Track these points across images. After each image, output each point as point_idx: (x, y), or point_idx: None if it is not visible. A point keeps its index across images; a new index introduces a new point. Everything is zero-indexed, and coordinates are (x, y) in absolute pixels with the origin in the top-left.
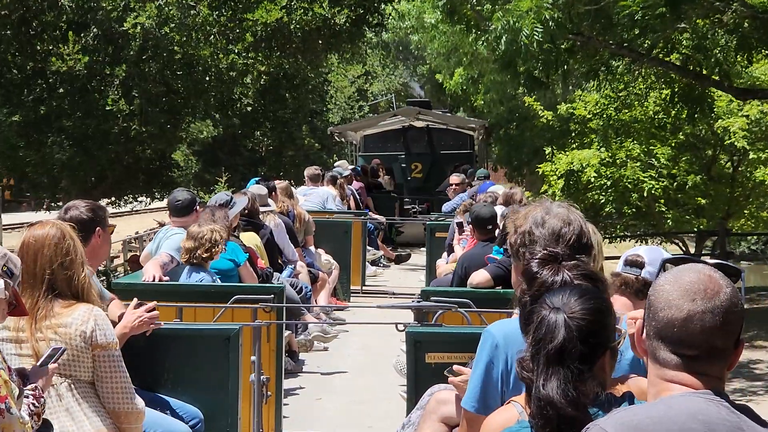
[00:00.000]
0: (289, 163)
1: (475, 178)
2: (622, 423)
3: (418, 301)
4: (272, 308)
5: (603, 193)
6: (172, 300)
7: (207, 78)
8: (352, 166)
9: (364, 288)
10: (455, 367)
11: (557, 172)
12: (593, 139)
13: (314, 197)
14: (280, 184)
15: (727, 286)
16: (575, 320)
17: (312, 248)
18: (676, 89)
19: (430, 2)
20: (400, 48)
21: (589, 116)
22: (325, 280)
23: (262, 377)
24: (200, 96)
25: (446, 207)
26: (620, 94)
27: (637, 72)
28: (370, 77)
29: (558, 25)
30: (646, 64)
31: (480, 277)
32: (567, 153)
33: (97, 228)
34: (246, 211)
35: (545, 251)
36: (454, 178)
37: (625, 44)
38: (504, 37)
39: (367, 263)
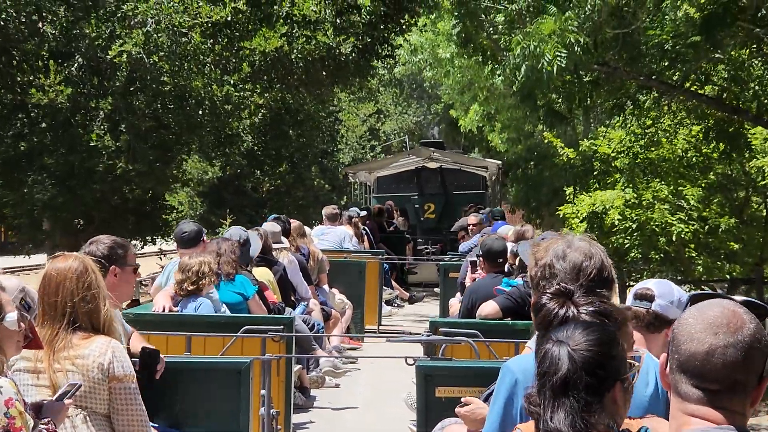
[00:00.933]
0: (294, 204)
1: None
2: None
3: (428, 335)
4: (281, 338)
5: (628, 237)
6: (182, 330)
7: (200, 111)
8: (363, 207)
9: (380, 328)
10: (464, 398)
11: (579, 215)
12: (617, 178)
13: (331, 236)
14: (293, 222)
15: (751, 321)
16: (579, 352)
17: (326, 287)
18: (710, 124)
19: (444, 35)
20: (414, 86)
21: (613, 154)
22: (338, 318)
23: (272, 411)
24: (193, 131)
25: (463, 247)
26: (647, 131)
27: (666, 106)
28: (382, 116)
29: (584, 51)
30: (677, 97)
31: (489, 308)
32: (589, 194)
33: (113, 266)
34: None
35: (558, 286)
36: (472, 219)
37: (654, 76)
38: (524, 65)
39: (383, 303)
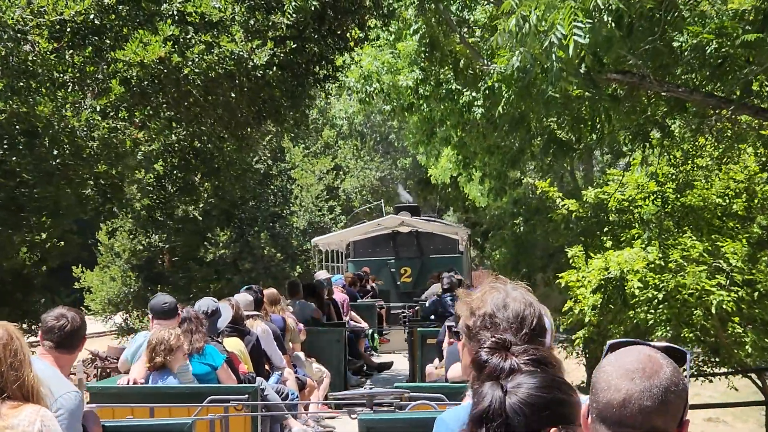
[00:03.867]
0: (242, 278)
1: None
2: None
3: (370, 388)
4: (245, 407)
5: (652, 311)
6: (147, 402)
7: (55, 152)
8: (332, 276)
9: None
10: None
11: (587, 283)
12: (637, 234)
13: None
14: (266, 291)
15: (668, 366)
16: (512, 393)
17: (301, 355)
18: None
19: (405, 58)
20: (377, 138)
21: (628, 202)
22: (313, 387)
23: None
24: (49, 181)
25: (426, 311)
26: (680, 168)
27: (708, 132)
28: (341, 172)
29: (610, 33)
30: (731, 114)
31: (456, 371)
32: (600, 256)
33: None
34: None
35: (494, 338)
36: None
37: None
38: (519, 53)
39: (349, 373)
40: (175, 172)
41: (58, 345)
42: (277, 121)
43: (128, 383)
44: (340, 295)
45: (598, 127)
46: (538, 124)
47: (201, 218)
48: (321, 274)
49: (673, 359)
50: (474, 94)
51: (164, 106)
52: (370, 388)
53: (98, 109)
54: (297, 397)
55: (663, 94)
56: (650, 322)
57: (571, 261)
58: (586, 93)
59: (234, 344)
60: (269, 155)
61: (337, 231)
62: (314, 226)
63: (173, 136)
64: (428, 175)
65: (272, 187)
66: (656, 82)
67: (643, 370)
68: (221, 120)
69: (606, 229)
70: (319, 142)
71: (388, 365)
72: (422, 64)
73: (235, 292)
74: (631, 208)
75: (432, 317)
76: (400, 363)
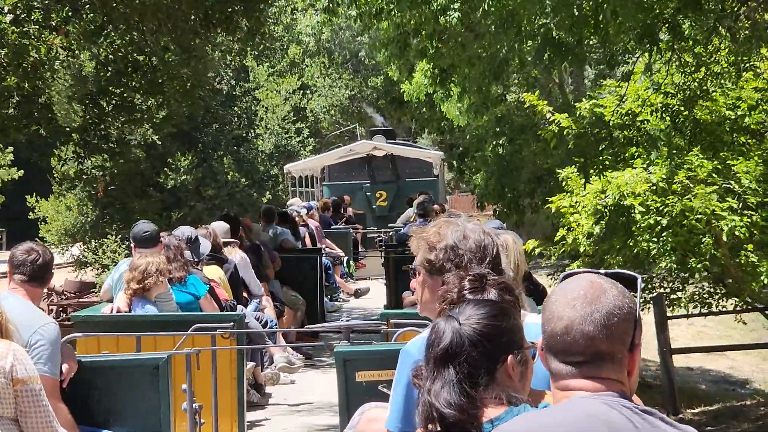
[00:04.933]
0: (206, 205)
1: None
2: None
3: (347, 320)
4: (231, 335)
5: (655, 239)
6: (132, 331)
7: None
8: (305, 204)
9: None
10: None
11: (582, 208)
12: (636, 153)
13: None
14: (243, 220)
15: (611, 290)
16: (466, 325)
17: (276, 283)
18: None
19: None
20: (346, 55)
21: (631, 117)
22: (291, 315)
23: (194, 405)
24: None
25: (400, 235)
26: (693, 77)
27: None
28: (308, 92)
29: None
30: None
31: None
32: (595, 178)
33: None
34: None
35: (471, 276)
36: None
37: None
38: None
39: (326, 299)
40: (110, 87)
41: (30, 278)
42: (228, 30)
43: (112, 311)
44: (313, 222)
45: (601, 25)
46: (531, 24)
47: (159, 142)
48: (294, 202)
49: (622, 283)
50: None
51: (88, 7)
52: (348, 321)
53: (6, 10)
54: (276, 324)
55: None
56: (653, 252)
57: (563, 184)
58: None
59: (214, 272)
60: (231, 75)
61: (310, 157)
62: (281, 149)
63: (104, 45)
64: (402, 91)
65: (236, 108)
66: None
67: (584, 296)
68: (162, 27)
69: (602, 147)
70: (285, 60)
71: (365, 291)
72: None
73: (198, 220)
74: (636, 123)
75: (407, 242)
76: (377, 289)
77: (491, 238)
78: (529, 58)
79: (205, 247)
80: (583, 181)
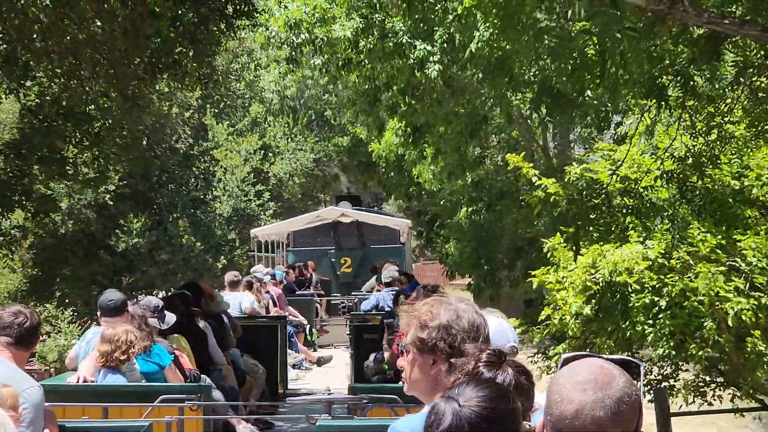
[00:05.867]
0: (159, 271)
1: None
2: None
3: (328, 393)
4: (199, 406)
5: (650, 321)
6: (99, 401)
7: None
8: (269, 270)
9: (287, 391)
10: None
11: (570, 285)
12: (630, 224)
13: (231, 302)
14: (204, 288)
15: (620, 376)
16: (466, 407)
17: (237, 351)
18: None
19: (342, 3)
20: (311, 115)
21: (634, 183)
22: (251, 383)
23: None
24: None
25: (365, 305)
26: (705, 139)
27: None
28: (270, 153)
29: None
30: None
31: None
32: (584, 250)
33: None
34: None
35: (490, 352)
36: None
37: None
38: None
39: (288, 367)
40: (35, 136)
41: (17, 341)
42: (175, 76)
43: (78, 381)
44: (274, 289)
45: (607, 74)
46: (523, 71)
47: (111, 202)
48: (258, 269)
49: (626, 370)
50: (428, 47)
51: (4, 41)
52: (329, 394)
53: None
54: (238, 393)
55: (700, 27)
56: (649, 336)
57: (548, 255)
58: (593, 25)
59: (178, 341)
60: (189, 133)
61: (274, 222)
62: (240, 213)
63: (29, 89)
64: (370, 151)
65: (194, 168)
66: (692, 9)
67: (595, 381)
68: (100, 70)
69: (595, 216)
70: (246, 118)
71: (327, 359)
72: (363, 11)
73: (151, 285)
74: (638, 189)
75: (372, 312)
76: (340, 357)
77: (482, 317)
78: (523, 110)
79: (171, 317)
80: (571, 253)
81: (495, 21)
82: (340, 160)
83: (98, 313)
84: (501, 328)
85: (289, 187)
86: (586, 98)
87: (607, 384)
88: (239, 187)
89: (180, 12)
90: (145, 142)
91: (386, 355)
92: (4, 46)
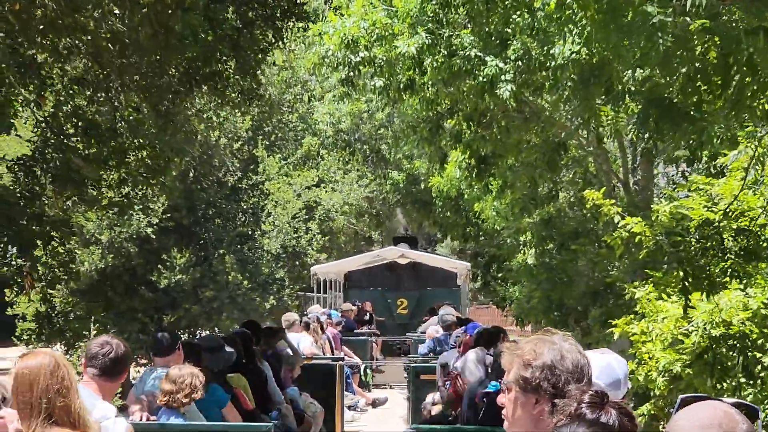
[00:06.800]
0: (204, 309)
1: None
2: None
3: None
4: None
5: (751, 381)
6: None
7: None
8: (325, 310)
9: None
10: None
11: (657, 336)
12: (729, 267)
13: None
14: (264, 325)
15: (744, 422)
16: None
17: (296, 389)
18: None
19: (405, 18)
20: (365, 149)
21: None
22: (310, 423)
23: None
24: None
25: (422, 349)
26: None
27: None
28: (324, 186)
29: None
30: None
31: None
32: (674, 299)
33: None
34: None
35: (593, 393)
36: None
37: None
38: None
39: (345, 408)
40: (48, 151)
41: (103, 372)
42: (216, 89)
43: (141, 419)
44: (331, 330)
45: (733, 83)
46: (621, 80)
47: (154, 236)
48: (315, 309)
49: (745, 414)
50: (500, 64)
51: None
52: None
53: None
54: None
55: None
56: (748, 398)
57: (635, 303)
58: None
59: (237, 380)
60: (239, 165)
61: (337, 261)
62: (288, 250)
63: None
64: (429, 186)
65: (242, 203)
66: None
67: (719, 425)
68: (129, 80)
69: (705, 260)
70: (299, 151)
71: (383, 401)
72: (428, 26)
73: (194, 324)
74: (755, 228)
75: (429, 355)
76: (395, 398)
77: (586, 358)
78: (624, 127)
79: (231, 354)
80: (660, 302)
81: (595, 16)
82: (396, 199)
83: (151, 353)
84: (609, 365)
85: (338, 220)
86: (704, 114)
87: (732, 429)
88: (290, 223)
89: (216, 9)
90: (192, 174)
91: (438, 396)
92: (9, 40)
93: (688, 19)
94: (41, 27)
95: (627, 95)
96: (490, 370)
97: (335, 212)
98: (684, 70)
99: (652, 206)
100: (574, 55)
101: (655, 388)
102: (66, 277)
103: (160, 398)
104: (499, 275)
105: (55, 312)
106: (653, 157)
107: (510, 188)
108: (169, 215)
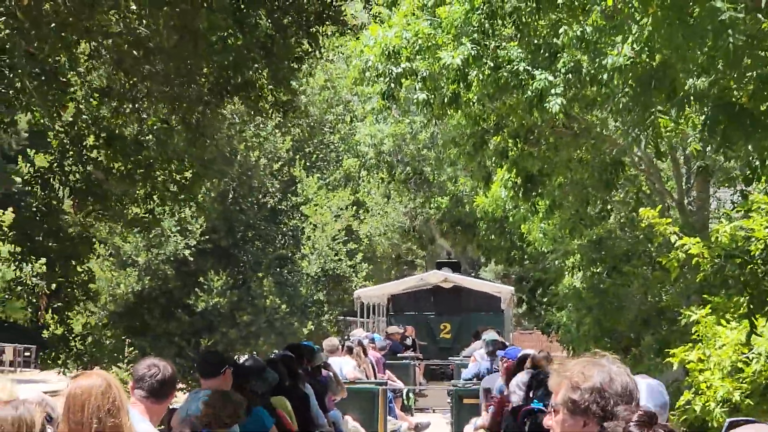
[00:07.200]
0: (240, 333)
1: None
2: None
3: None
4: None
5: None
6: None
7: None
8: (368, 334)
9: None
10: None
11: (716, 365)
12: None
13: (332, 367)
14: (305, 348)
15: None
16: None
17: (338, 413)
18: None
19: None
20: (408, 172)
21: None
22: None
23: None
24: None
25: (466, 374)
26: None
27: None
28: (362, 210)
29: None
30: None
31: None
32: (733, 324)
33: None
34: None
35: (641, 413)
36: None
37: None
38: None
39: None
40: (66, 162)
41: (150, 394)
42: (248, 100)
43: None
44: (374, 354)
45: None
46: (691, 79)
47: (191, 258)
48: (358, 333)
49: None
50: (550, 78)
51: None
52: None
53: None
54: None
55: None
56: None
57: (693, 330)
58: None
59: (281, 402)
60: (278, 186)
61: (380, 285)
62: (328, 273)
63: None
64: (474, 206)
65: (282, 225)
66: None
67: None
68: (156, 90)
69: (753, 281)
70: (338, 171)
71: (425, 425)
72: (474, 36)
73: (231, 348)
74: None
75: (473, 380)
76: (438, 422)
77: (634, 381)
78: (683, 141)
79: (274, 378)
80: (720, 327)
81: (658, 13)
82: (439, 222)
83: (198, 374)
84: (656, 389)
85: (380, 245)
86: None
87: None
88: (329, 245)
89: (246, 14)
90: (231, 195)
91: (481, 421)
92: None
93: (760, 16)
94: (53, 25)
95: (692, 101)
96: (532, 393)
97: (378, 236)
98: (756, 73)
99: (709, 227)
100: (630, 61)
101: (713, 420)
102: (84, 298)
103: (202, 419)
104: (545, 300)
105: (73, 335)
106: (709, 176)
107: (558, 208)
108: (207, 237)
